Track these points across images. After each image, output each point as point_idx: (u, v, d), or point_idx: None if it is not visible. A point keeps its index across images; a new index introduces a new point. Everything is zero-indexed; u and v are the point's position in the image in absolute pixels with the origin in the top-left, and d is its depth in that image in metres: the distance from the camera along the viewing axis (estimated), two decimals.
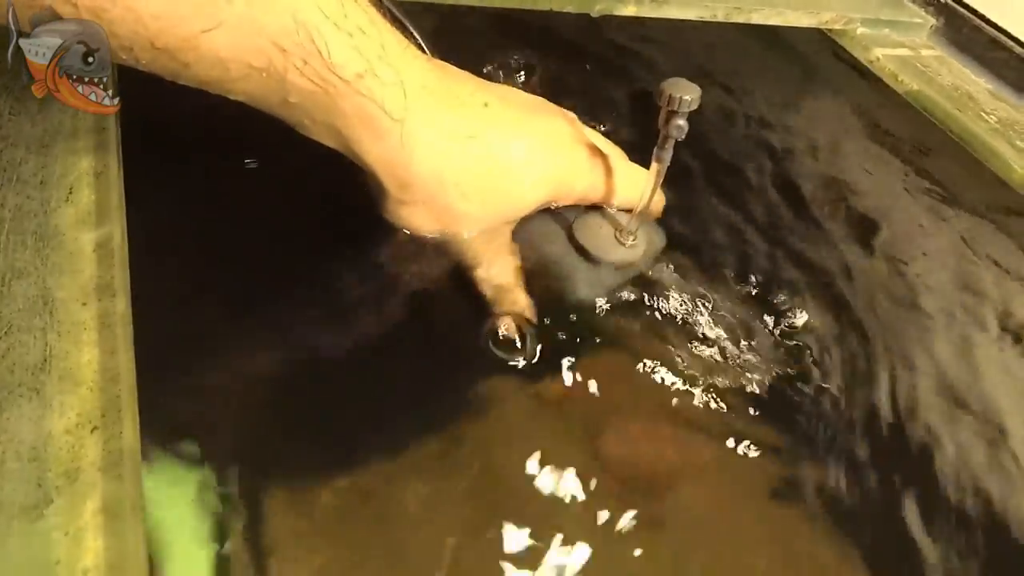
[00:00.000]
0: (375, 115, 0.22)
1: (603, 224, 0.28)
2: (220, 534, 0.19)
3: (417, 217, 0.25)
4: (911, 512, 0.24)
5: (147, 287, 0.21)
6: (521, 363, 0.24)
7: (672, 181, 0.33)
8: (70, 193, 0.22)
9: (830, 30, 0.50)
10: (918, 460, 0.25)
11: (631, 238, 0.27)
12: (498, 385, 0.24)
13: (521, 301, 0.26)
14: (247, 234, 0.26)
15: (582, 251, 0.27)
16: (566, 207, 0.28)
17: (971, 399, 0.28)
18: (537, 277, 0.27)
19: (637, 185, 0.26)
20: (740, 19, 0.46)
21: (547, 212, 0.28)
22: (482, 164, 0.24)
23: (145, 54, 0.19)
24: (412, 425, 0.23)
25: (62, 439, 0.17)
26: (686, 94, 0.22)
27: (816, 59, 0.49)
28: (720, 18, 0.45)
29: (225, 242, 0.26)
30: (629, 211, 0.27)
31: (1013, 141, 0.43)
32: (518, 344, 0.24)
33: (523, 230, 0.27)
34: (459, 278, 0.26)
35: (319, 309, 0.25)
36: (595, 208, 0.28)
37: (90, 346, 0.19)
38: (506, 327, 0.24)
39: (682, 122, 0.23)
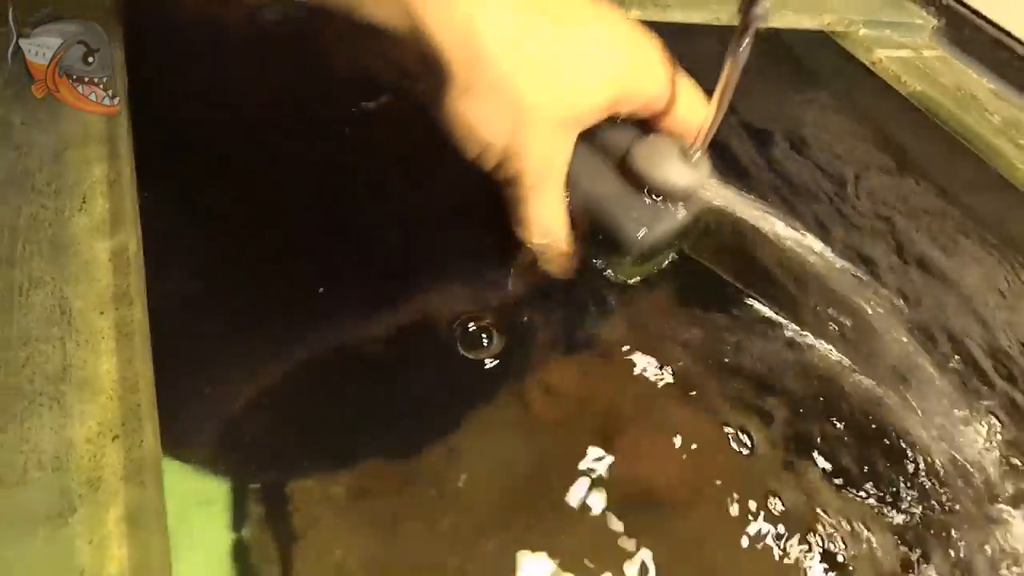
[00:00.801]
0: None
1: (665, 143, 0.24)
2: (239, 530, 0.19)
3: (481, 111, 0.22)
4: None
5: (161, 294, 0.21)
6: (488, 363, 0.23)
7: None
8: (84, 202, 0.23)
9: (832, 32, 0.50)
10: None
11: (697, 155, 0.24)
12: (512, 384, 0.24)
13: (566, 247, 0.24)
14: (260, 239, 0.26)
15: (639, 180, 0.24)
16: (620, 134, 0.25)
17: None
18: (584, 217, 0.24)
19: (699, 103, 0.24)
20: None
21: (596, 145, 0.25)
22: (555, 45, 0.22)
23: None
24: (422, 426, 0.23)
25: (84, 448, 0.17)
26: None
27: (818, 61, 0.49)
28: (724, 21, 0.45)
29: (238, 248, 0.26)
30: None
31: (1017, 140, 0.43)
32: (484, 343, 0.23)
33: (570, 164, 0.24)
34: (467, 284, 0.26)
35: (331, 312, 0.25)
36: (653, 133, 0.25)
37: (108, 355, 0.19)
38: (474, 324, 0.24)
39: (768, 3, 0.20)
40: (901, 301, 0.31)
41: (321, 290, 0.25)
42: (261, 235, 0.27)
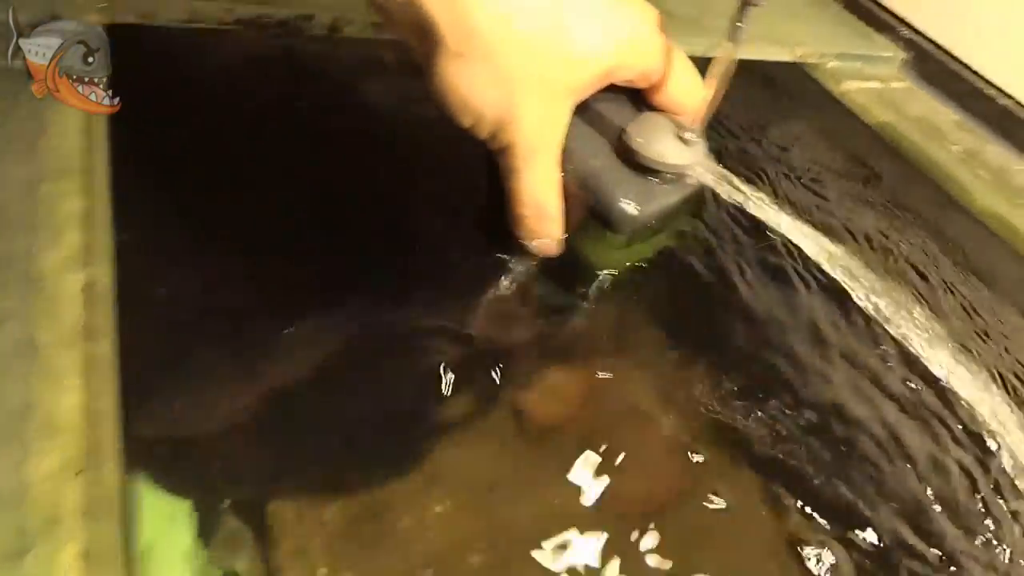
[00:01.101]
0: None
1: (662, 121, 0.24)
2: (214, 554, 0.19)
3: (473, 80, 0.22)
4: None
5: (137, 318, 0.22)
6: (472, 382, 0.23)
7: None
8: (57, 236, 0.23)
9: (805, 64, 0.52)
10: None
11: (693, 135, 0.24)
12: (495, 404, 0.24)
13: (556, 231, 0.24)
14: (237, 260, 0.27)
15: (635, 157, 0.23)
16: (618, 111, 0.25)
17: None
18: (578, 194, 0.24)
19: (694, 77, 0.24)
20: (720, 53, 0.47)
21: (593, 121, 0.25)
22: (549, 17, 0.22)
23: None
24: (411, 445, 0.23)
25: (44, 485, 0.17)
26: None
27: (791, 91, 0.51)
28: (700, 53, 0.46)
29: (214, 268, 0.26)
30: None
31: (976, 171, 0.45)
32: (466, 363, 0.23)
33: (566, 139, 0.24)
34: (453, 300, 0.27)
35: (309, 336, 0.25)
36: (652, 111, 0.25)
37: (74, 390, 0.19)
38: (457, 343, 0.23)
39: None
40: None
41: (290, 330, 0.25)
42: (243, 259, 0.27)
